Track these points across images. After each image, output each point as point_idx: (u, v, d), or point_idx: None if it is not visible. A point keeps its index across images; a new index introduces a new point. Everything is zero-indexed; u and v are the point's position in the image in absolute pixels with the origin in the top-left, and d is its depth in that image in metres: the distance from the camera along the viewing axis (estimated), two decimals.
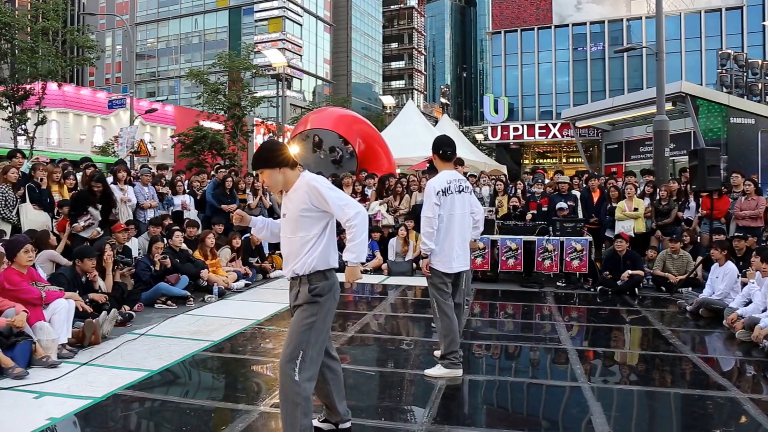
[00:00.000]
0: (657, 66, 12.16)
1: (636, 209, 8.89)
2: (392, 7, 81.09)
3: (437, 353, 4.52)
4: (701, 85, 27.48)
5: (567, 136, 32.05)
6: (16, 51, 20.72)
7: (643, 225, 8.90)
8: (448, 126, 25.94)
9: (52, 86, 23.33)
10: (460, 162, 6.52)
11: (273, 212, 10.17)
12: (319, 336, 2.90)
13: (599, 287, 7.96)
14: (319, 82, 61.54)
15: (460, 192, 4.39)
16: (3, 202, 6.54)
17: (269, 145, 3.10)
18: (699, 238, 8.71)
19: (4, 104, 20.48)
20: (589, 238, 8.48)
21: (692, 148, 13.53)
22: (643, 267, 8.04)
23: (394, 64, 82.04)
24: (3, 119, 21.73)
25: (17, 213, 6.66)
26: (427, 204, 4.29)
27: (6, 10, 20.81)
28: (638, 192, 9.35)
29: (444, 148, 4.44)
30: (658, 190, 9.27)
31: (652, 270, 8.14)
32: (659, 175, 10.97)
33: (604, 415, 3.57)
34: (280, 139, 23.79)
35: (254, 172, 5.63)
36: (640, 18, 33.16)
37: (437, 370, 4.26)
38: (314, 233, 2.93)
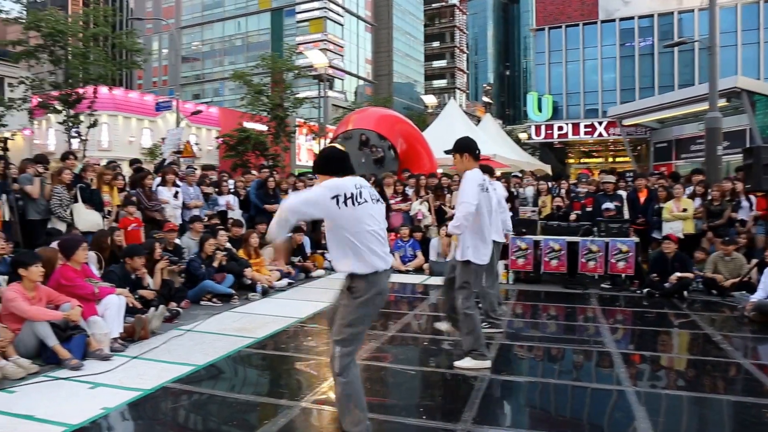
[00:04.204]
0: (710, 60, 11.75)
1: (685, 210, 8.62)
2: (434, 5, 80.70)
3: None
4: (759, 79, 26.38)
5: (613, 134, 31.26)
6: (69, 57, 21.60)
7: (692, 226, 8.62)
8: (491, 125, 25.64)
9: (103, 90, 24.21)
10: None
11: None
12: (357, 331, 3.04)
13: (646, 289, 7.74)
14: (361, 82, 61.84)
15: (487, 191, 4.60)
16: (58, 203, 6.86)
17: (326, 152, 3.24)
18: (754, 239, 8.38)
19: (59, 108, 21.40)
20: (636, 239, 8.26)
21: (747, 145, 13.02)
22: (692, 269, 7.78)
23: (436, 63, 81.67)
24: (58, 123, 22.73)
25: (71, 213, 6.97)
26: (471, 192, 4.33)
27: (60, 18, 21.74)
28: (687, 192, 9.05)
29: (477, 150, 4.60)
30: (709, 190, 8.96)
31: (702, 272, 7.88)
32: (711, 175, 10.59)
33: (650, 420, 3.48)
34: (322, 141, 24.03)
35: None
36: (692, 10, 31.96)
37: (466, 362, 4.39)
38: (329, 237, 3.07)
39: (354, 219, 2.94)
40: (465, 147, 4.58)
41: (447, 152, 4.74)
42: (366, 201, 3.01)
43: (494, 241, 5.45)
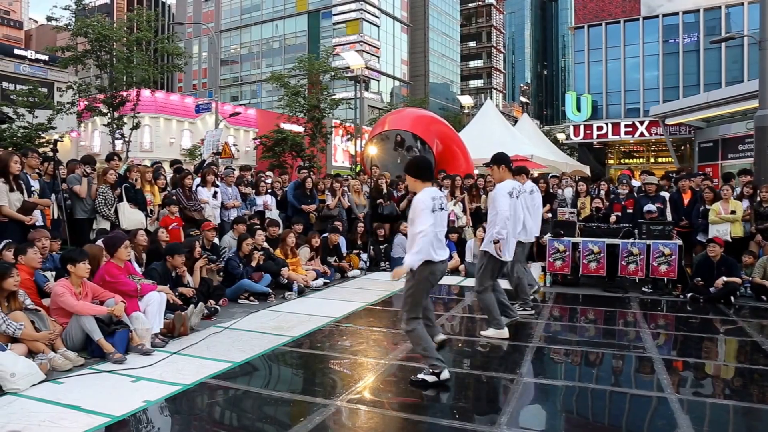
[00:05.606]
0: (760, 55, 11.28)
1: (733, 212, 8.31)
2: (470, 5, 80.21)
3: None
4: None
5: (656, 134, 30.42)
6: (114, 61, 22.30)
7: (740, 229, 8.31)
8: (528, 125, 25.31)
9: (145, 93, 24.88)
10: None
11: (351, 212, 10.34)
12: (416, 299, 4.04)
13: (690, 294, 7.51)
14: (397, 83, 61.87)
15: (518, 198, 5.59)
16: (103, 202, 7.07)
17: (416, 159, 4.24)
18: None
19: (104, 111, 22.10)
20: (679, 242, 8.02)
21: None
22: (740, 274, 7.50)
23: (472, 63, 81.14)
24: (103, 125, 23.48)
25: (115, 211, 7.19)
26: (503, 202, 5.27)
27: (105, 24, 22.45)
28: (736, 193, 8.73)
29: (511, 163, 5.61)
30: (758, 191, 8.62)
31: (751, 277, 7.58)
32: (761, 175, 10.20)
33: (694, 429, 3.37)
34: (358, 141, 24.15)
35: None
36: (742, 4, 30.81)
37: (489, 332, 5.46)
38: (414, 232, 3.95)
39: (436, 222, 3.93)
40: (502, 160, 5.53)
41: (486, 165, 5.63)
42: (442, 209, 4.02)
43: (519, 241, 6.21)
